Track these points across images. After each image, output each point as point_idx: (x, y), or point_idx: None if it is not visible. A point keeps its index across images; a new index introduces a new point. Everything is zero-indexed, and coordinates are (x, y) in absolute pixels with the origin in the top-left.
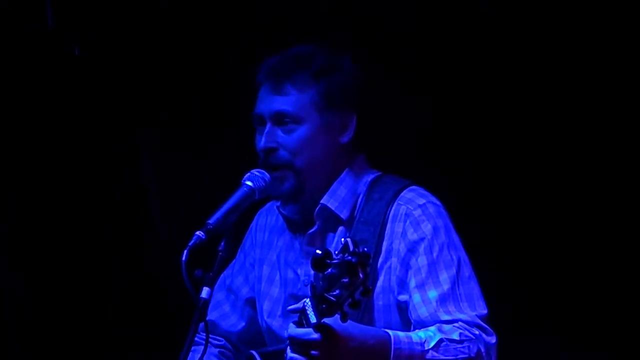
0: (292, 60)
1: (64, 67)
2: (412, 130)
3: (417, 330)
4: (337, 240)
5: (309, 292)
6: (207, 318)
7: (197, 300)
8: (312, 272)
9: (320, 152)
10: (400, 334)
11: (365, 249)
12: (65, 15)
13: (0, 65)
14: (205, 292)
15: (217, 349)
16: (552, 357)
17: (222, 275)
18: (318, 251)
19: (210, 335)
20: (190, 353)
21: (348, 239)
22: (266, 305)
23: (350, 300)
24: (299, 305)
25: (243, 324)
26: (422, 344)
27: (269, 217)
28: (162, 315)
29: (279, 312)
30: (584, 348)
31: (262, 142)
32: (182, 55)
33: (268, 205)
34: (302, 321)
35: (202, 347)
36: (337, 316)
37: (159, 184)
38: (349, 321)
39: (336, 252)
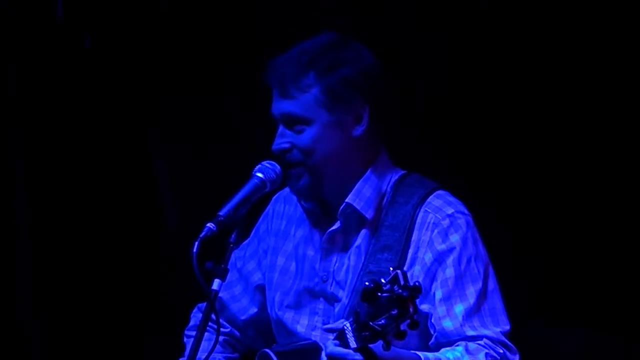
0: (295, 62)
1: (74, 59)
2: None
3: (444, 350)
4: (362, 241)
5: (351, 317)
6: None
7: (209, 292)
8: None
9: (333, 148)
10: (430, 355)
11: (417, 283)
12: (76, 9)
13: (10, 59)
14: (216, 284)
15: (223, 338)
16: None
17: (233, 256)
18: (367, 283)
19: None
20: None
21: (398, 271)
22: (278, 296)
23: (395, 331)
24: (337, 325)
25: (254, 309)
26: None
27: (287, 206)
28: (173, 306)
29: (291, 304)
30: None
31: (275, 143)
32: (193, 47)
33: (286, 191)
34: (341, 340)
35: (210, 335)
36: (379, 342)
37: (171, 175)
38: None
39: (383, 281)
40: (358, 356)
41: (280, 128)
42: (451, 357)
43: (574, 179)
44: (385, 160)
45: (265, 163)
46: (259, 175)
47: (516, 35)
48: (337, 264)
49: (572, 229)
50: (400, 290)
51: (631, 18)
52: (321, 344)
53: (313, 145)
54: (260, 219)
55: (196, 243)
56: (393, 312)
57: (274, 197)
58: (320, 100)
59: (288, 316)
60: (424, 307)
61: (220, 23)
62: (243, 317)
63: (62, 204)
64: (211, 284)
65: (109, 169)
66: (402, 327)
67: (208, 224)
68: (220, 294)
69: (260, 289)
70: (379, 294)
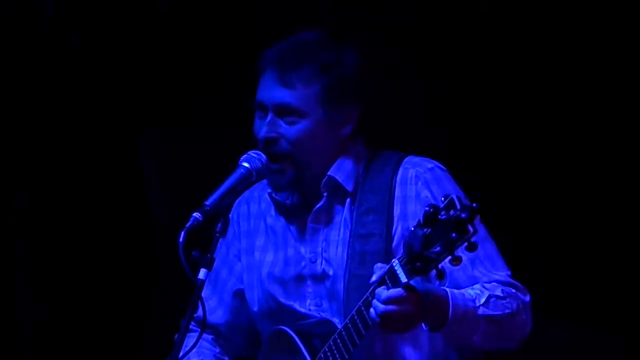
0: (299, 51)
1: (64, 59)
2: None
3: (466, 288)
4: (346, 213)
5: (402, 251)
6: (194, 314)
7: (195, 280)
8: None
9: (321, 145)
10: (455, 291)
11: (475, 205)
12: (66, 7)
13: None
14: (202, 273)
15: (211, 336)
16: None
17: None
18: (427, 208)
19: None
20: (186, 339)
21: (453, 196)
22: (258, 292)
23: (450, 257)
24: (385, 268)
25: (229, 316)
26: (473, 301)
27: (250, 205)
28: (160, 297)
29: (279, 294)
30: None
31: (263, 131)
32: (184, 48)
33: (246, 193)
34: (387, 282)
35: (196, 334)
36: (430, 278)
37: (160, 172)
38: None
39: (441, 211)
40: (409, 293)
41: (270, 116)
42: (472, 292)
43: (573, 178)
44: (361, 144)
45: (251, 152)
46: (245, 164)
47: (516, 35)
48: (324, 243)
49: (571, 230)
50: (457, 213)
51: (630, 18)
52: (332, 319)
53: (303, 138)
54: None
55: (182, 233)
56: (452, 236)
57: (236, 201)
58: (319, 97)
59: (284, 303)
60: None
61: (215, 21)
62: (223, 325)
63: (51, 200)
64: (197, 273)
65: (99, 167)
66: (458, 252)
67: (194, 214)
68: (198, 312)
69: (238, 294)
70: (439, 216)
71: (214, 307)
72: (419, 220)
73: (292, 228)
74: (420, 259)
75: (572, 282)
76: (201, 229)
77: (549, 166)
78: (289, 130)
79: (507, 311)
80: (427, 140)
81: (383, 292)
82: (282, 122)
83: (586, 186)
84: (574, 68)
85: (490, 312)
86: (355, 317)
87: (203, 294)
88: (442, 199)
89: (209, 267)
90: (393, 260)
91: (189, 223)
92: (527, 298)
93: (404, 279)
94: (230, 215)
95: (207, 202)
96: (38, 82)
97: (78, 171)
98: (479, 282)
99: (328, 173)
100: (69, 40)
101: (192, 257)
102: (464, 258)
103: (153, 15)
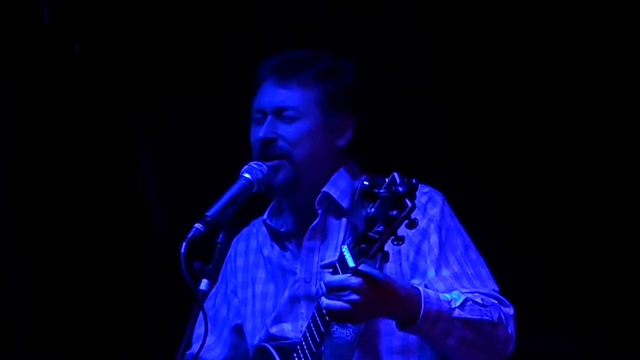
0: (297, 60)
1: (62, 63)
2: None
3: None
4: (342, 234)
5: (349, 235)
6: (190, 352)
7: (196, 292)
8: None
9: (318, 148)
10: (429, 290)
11: (413, 180)
12: (62, 11)
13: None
14: (204, 284)
15: None
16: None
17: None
18: (365, 182)
19: None
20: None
21: (395, 173)
22: (256, 323)
23: (393, 236)
24: (336, 256)
25: (227, 352)
26: (449, 302)
27: (249, 241)
28: (160, 307)
29: (271, 321)
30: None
31: (261, 132)
32: (181, 48)
33: (244, 231)
34: (338, 269)
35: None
36: (376, 261)
37: (158, 176)
38: (383, 271)
39: (381, 187)
40: (355, 279)
41: (269, 118)
42: (448, 295)
43: (573, 178)
44: (355, 166)
45: (252, 164)
46: (246, 175)
47: (516, 35)
48: (319, 262)
49: (570, 230)
50: (396, 188)
51: (630, 18)
52: None
53: (301, 138)
54: (225, 262)
55: (184, 243)
56: (391, 213)
57: (235, 238)
58: (318, 100)
59: (276, 330)
60: (415, 281)
61: (215, 21)
62: None
63: (48, 204)
64: (199, 284)
65: (97, 172)
66: (400, 231)
67: (196, 225)
68: (194, 349)
69: (236, 329)
70: (376, 190)
71: (212, 344)
72: (360, 198)
73: (287, 253)
74: (364, 240)
75: (570, 283)
76: (202, 239)
77: (548, 167)
78: (287, 129)
79: (485, 317)
80: (426, 140)
81: (327, 276)
82: (280, 124)
83: (586, 186)
84: (572, 68)
85: (467, 316)
86: (316, 314)
87: (198, 333)
88: (386, 178)
89: (210, 278)
90: (342, 245)
91: (191, 234)
92: (511, 311)
93: (351, 263)
94: (228, 254)
95: (209, 213)
96: (35, 86)
97: (75, 174)
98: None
99: (322, 189)
100: (66, 43)
101: (193, 268)
102: (448, 272)
103: (152, 15)
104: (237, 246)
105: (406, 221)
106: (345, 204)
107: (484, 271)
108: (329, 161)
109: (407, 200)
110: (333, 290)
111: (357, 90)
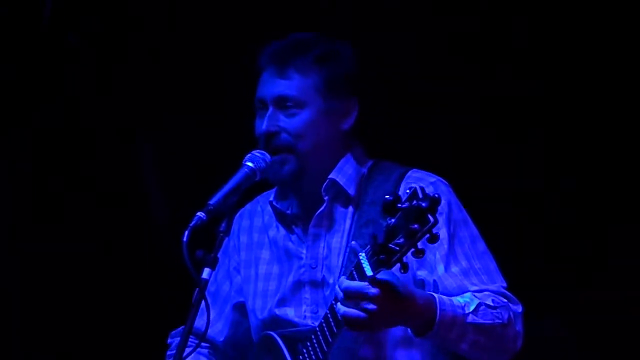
0: (295, 46)
1: (62, 59)
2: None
3: (455, 296)
4: (348, 222)
5: (369, 243)
6: (194, 325)
7: (199, 280)
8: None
9: (322, 136)
10: (444, 297)
11: (436, 195)
12: (63, 8)
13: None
14: (206, 272)
15: (207, 350)
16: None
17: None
18: (387, 197)
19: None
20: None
21: (416, 186)
22: (260, 303)
23: (413, 249)
24: (354, 262)
25: (228, 330)
26: (462, 308)
27: (254, 219)
28: (163, 296)
29: (275, 304)
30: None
31: (263, 125)
32: (181, 48)
33: (248, 207)
34: (354, 276)
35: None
36: (395, 270)
37: (159, 166)
38: (401, 279)
39: (403, 200)
40: (373, 288)
41: (270, 110)
42: (461, 300)
43: (573, 178)
44: (361, 150)
45: (255, 152)
46: (249, 164)
47: (516, 35)
48: (325, 249)
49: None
50: (420, 202)
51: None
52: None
53: (304, 129)
54: (227, 238)
55: (186, 232)
56: (412, 227)
57: (237, 214)
58: (317, 86)
59: (278, 314)
60: (421, 273)
61: (215, 22)
62: (221, 339)
63: (50, 201)
64: (201, 272)
65: (98, 168)
66: (421, 244)
67: (198, 213)
68: (197, 323)
69: (238, 307)
70: (399, 205)
71: (213, 319)
72: (382, 211)
73: (293, 236)
74: (383, 251)
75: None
76: (205, 228)
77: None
78: (290, 122)
79: (497, 321)
80: (428, 138)
81: (344, 282)
82: (282, 116)
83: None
84: (572, 67)
85: (480, 321)
86: (329, 315)
87: (201, 307)
88: (407, 190)
89: (212, 267)
90: (360, 253)
91: (193, 222)
92: (519, 309)
93: (369, 272)
94: (232, 229)
95: (211, 202)
96: (34, 83)
97: (75, 167)
98: (470, 292)
99: (329, 176)
100: (66, 40)
101: (195, 256)
102: (457, 269)
103: (152, 15)
104: (242, 222)
105: (427, 235)
106: (351, 191)
107: (492, 265)
108: (335, 146)
109: (429, 216)
110: (350, 296)
111: (357, 71)
